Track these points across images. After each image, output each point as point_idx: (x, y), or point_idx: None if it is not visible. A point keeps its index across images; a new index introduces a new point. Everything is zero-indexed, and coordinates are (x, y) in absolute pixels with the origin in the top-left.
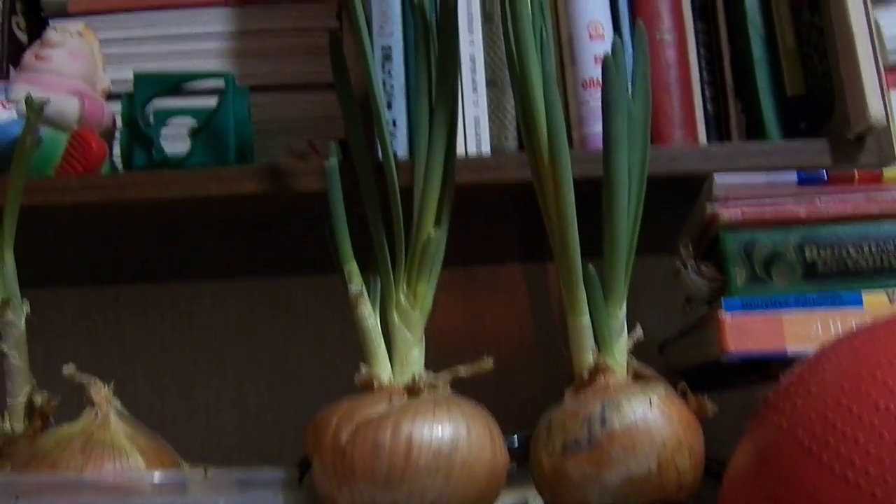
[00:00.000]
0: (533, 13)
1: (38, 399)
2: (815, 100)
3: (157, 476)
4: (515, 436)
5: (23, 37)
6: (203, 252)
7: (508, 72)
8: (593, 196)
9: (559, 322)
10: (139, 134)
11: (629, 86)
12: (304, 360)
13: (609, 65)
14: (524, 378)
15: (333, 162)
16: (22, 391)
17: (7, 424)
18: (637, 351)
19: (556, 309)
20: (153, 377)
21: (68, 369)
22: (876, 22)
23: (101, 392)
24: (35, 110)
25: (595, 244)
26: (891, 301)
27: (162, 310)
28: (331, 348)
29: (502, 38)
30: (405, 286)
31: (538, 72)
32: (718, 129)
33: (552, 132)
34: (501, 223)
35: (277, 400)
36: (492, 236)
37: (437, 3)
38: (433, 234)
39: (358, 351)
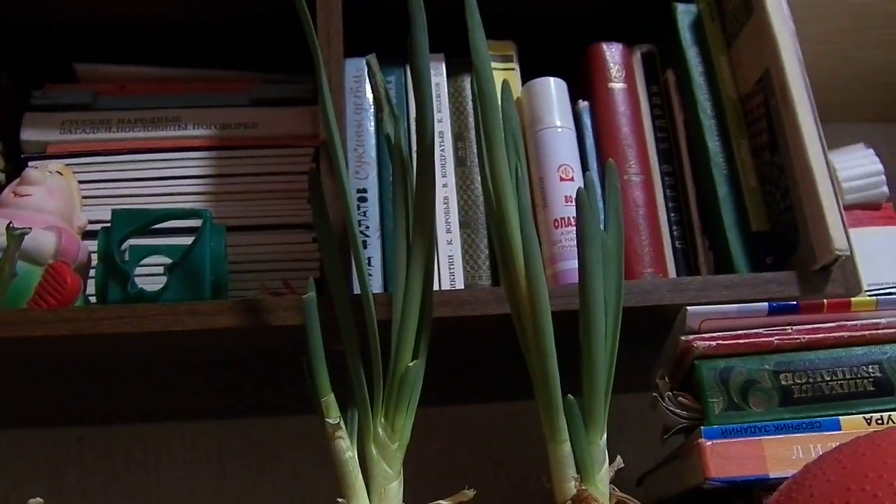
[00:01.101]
0: (508, 153)
1: None
2: (780, 234)
3: None
4: None
5: (1, 177)
6: (172, 392)
7: (485, 208)
8: (569, 331)
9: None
10: (115, 269)
11: (602, 220)
12: (274, 501)
13: (583, 198)
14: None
15: (312, 295)
16: None
17: None
18: (616, 485)
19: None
20: None
21: (35, 502)
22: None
23: None
24: (15, 238)
25: (571, 380)
26: (868, 424)
27: (127, 452)
28: (303, 491)
29: (475, 181)
30: (383, 419)
31: (514, 207)
32: (687, 264)
33: (529, 264)
34: (476, 359)
35: None
36: (466, 374)
37: (410, 147)
38: (411, 365)
39: (331, 494)
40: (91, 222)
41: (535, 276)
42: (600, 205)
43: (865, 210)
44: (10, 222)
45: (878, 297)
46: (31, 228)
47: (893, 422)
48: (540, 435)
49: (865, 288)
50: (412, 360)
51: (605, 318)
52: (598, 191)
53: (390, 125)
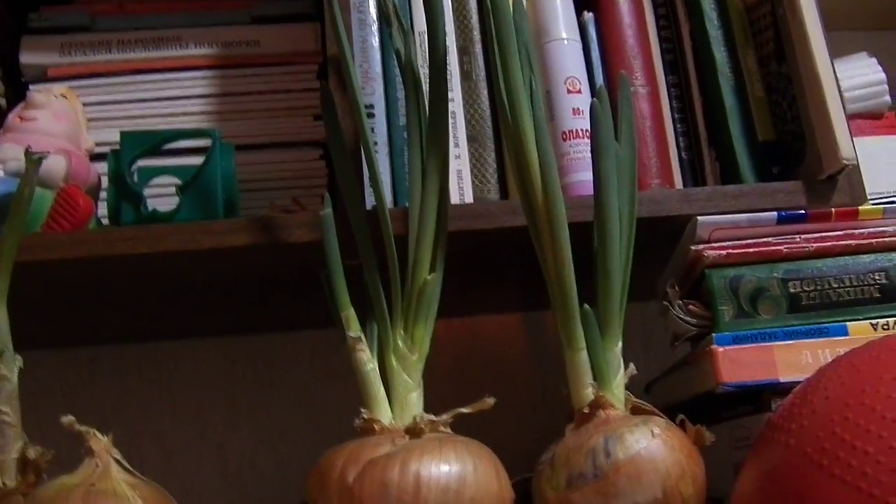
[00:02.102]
0: (522, 66)
1: (32, 453)
2: (786, 145)
3: None
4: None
5: (1, 101)
6: (182, 310)
7: (499, 122)
8: (581, 243)
9: (555, 364)
10: (127, 190)
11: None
12: (287, 418)
13: (597, 110)
14: (518, 427)
15: (329, 212)
16: (14, 447)
17: None
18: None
19: (551, 354)
20: (131, 440)
21: (67, 420)
22: None
23: (100, 442)
24: (33, 162)
25: (584, 290)
26: (875, 329)
27: (139, 371)
28: (313, 405)
29: (481, 95)
30: (402, 331)
31: (530, 119)
32: (694, 176)
33: (546, 175)
34: (492, 271)
35: (259, 459)
36: (483, 284)
37: (414, 61)
38: (429, 278)
39: (341, 408)
40: (97, 144)
41: (552, 187)
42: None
43: (867, 119)
44: (28, 146)
45: (885, 205)
46: (48, 153)
47: None
48: (553, 345)
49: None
50: (430, 273)
51: (620, 229)
52: (608, 105)
53: (399, 40)
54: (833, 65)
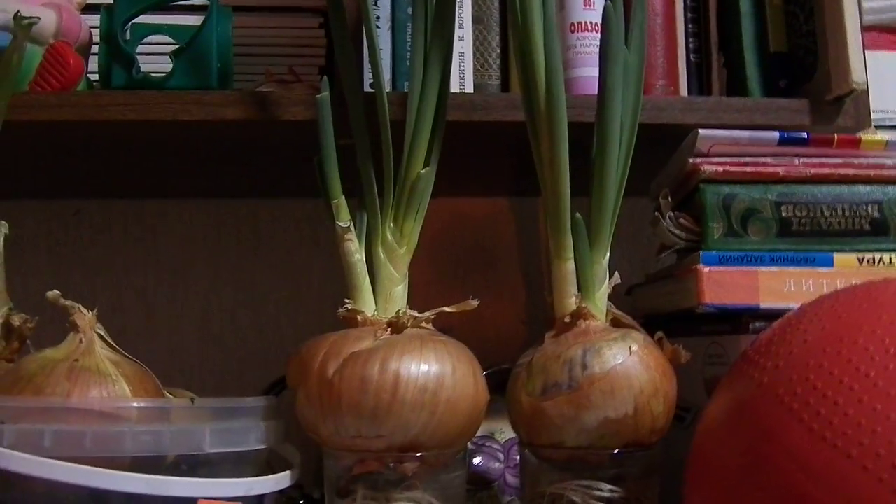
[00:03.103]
0: None
1: (16, 320)
2: (797, 58)
3: (143, 403)
4: (486, 372)
5: None
6: (170, 170)
7: (505, 16)
8: (580, 141)
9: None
10: (119, 52)
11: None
12: (270, 284)
13: (610, 13)
14: (501, 313)
15: (326, 95)
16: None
17: None
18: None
19: (538, 241)
20: (114, 294)
21: (52, 294)
22: None
23: (85, 318)
24: (24, 28)
25: (578, 184)
26: (860, 263)
27: (125, 225)
28: (297, 273)
29: None
30: (392, 223)
31: (540, 17)
32: (700, 80)
33: (551, 81)
34: (487, 161)
35: (241, 322)
36: (477, 172)
37: None
38: (423, 172)
39: (323, 279)
40: None
41: (556, 94)
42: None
43: (882, 33)
44: (18, 11)
45: (889, 138)
46: (38, 18)
47: (885, 263)
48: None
49: (872, 115)
50: (424, 167)
51: (620, 140)
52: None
53: None
54: None
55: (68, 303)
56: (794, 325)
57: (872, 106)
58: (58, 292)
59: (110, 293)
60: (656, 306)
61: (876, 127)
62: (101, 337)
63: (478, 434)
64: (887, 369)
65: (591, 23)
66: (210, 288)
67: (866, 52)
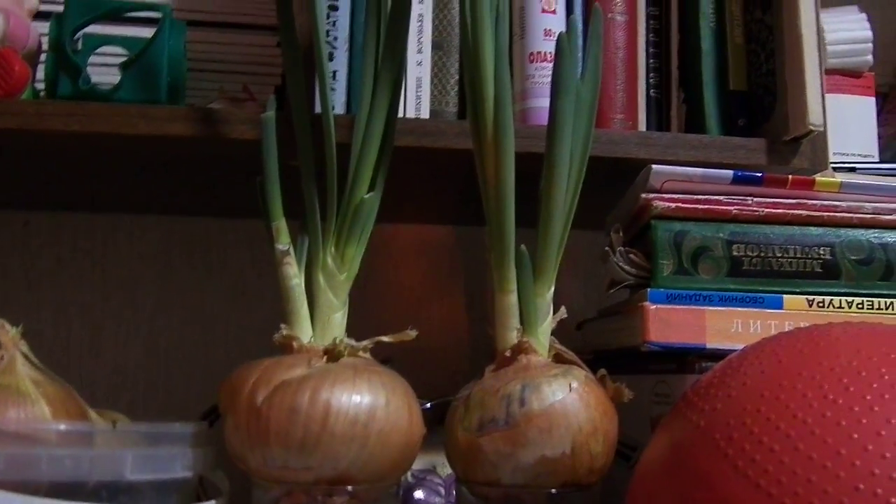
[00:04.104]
0: None
1: None
2: (757, 97)
3: (63, 426)
4: (428, 403)
5: None
6: (122, 184)
7: (460, 43)
8: (529, 173)
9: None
10: (66, 61)
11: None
12: (218, 303)
13: (563, 44)
14: (446, 342)
15: (271, 115)
16: None
17: None
18: (557, 326)
19: (484, 273)
20: (60, 309)
21: None
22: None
23: (7, 334)
24: None
25: (525, 216)
26: (809, 305)
27: (74, 239)
28: (246, 293)
29: (453, 0)
30: (333, 248)
31: (491, 47)
32: (659, 116)
33: (499, 113)
34: (434, 187)
35: (187, 341)
36: (423, 198)
37: None
38: (367, 197)
39: (273, 298)
40: (42, 2)
41: (504, 126)
42: (580, 43)
43: (845, 76)
44: None
45: (843, 180)
46: None
47: (834, 306)
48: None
49: (831, 156)
50: (369, 192)
51: (569, 173)
52: (580, 34)
53: None
54: (819, 24)
55: None
56: (735, 368)
57: (833, 148)
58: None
59: (55, 307)
60: (605, 342)
61: (834, 169)
62: (24, 355)
63: (420, 467)
64: (824, 417)
65: (550, 53)
66: (158, 305)
67: (828, 95)
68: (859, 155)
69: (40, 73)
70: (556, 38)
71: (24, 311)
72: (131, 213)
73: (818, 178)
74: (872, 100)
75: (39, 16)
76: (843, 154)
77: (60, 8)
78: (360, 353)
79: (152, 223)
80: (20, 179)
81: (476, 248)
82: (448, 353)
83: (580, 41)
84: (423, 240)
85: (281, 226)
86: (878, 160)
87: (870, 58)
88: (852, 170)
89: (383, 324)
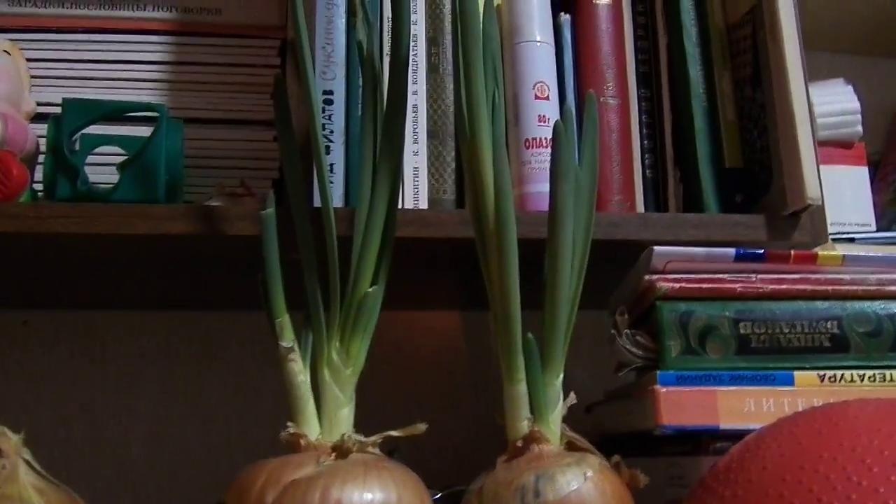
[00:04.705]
0: (486, 79)
1: None
2: (753, 173)
3: None
4: (439, 493)
5: None
6: (121, 281)
7: (456, 131)
8: (532, 258)
9: (494, 375)
10: (64, 163)
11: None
12: (221, 397)
13: (560, 132)
14: (454, 425)
15: (271, 212)
16: None
17: None
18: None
19: (491, 357)
20: (60, 408)
21: None
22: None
23: (10, 441)
24: None
25: (528, 299)
26: (821, 381)
27: (74, 337)
28: (249, 386)
29: (447, 89)
30: (338, 343)
31: (489, 139)
32: (656, 195)
33: (500, 202)
34: (435, 274)
35: (191, 437)
36: (424, 284)
37: (381, 52)
38: (370, 291)
39: (277, 393)
40: (39, 104)
41: (505, 217)
42: (574, 128)
43: (837, 148)
44: None
45: (845, 253)
46: None
47: (846, 380)
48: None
49: (829, 227)
50: (372, 286)
51: (573, 260)
52: (574, 121)
53: (363, 32)
54: (809, 100)
55: None
56: (753, 451)
57: (830, 219)
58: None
59: (56, 406)
60: (615, 426)
61: (833, 240)
62: (27, 462)
63: None
64: (849, 499)
65: (545, 139)
66: (159, 403)
67: (822, 167)
68: (857, 224)
69: (39, 173)
70: (550, 124)
71: (24, 409)
72: (130, 310)
73: (820, 252)
74: (865, 169)
75: (37, 117)
76: (841, 224)
77: (58, 110)
78: (370, 449)
79: (151, 319)
80: (19, 279)
81: (481, 333)
82: (459, 438)
83: (574, 126)
84: (427, 326)
85: (284, 322)
86: (875, 228)
87: (860, 128)
88: (851, 240)
89: (387, 410)
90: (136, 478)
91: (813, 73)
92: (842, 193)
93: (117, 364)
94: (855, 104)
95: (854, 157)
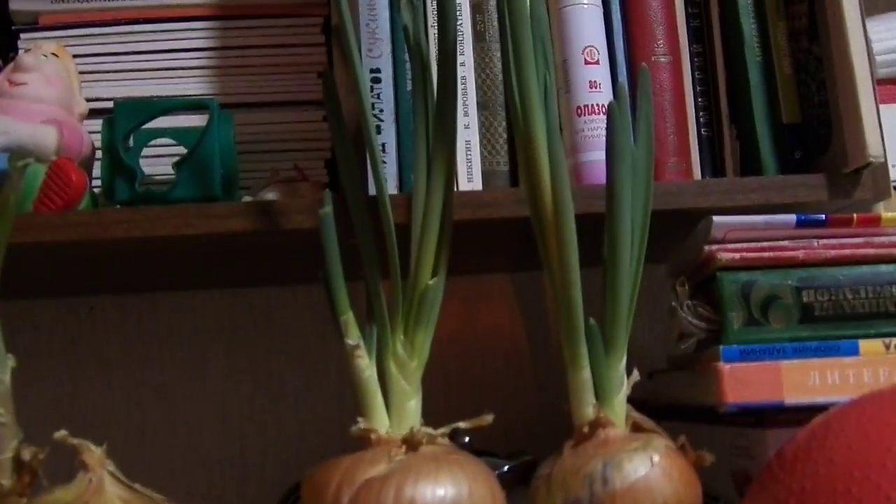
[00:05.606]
0: (537, 62)
1: (27, 454)
2: (811, 129)
3: None
4: (506, 466)
5: None
6: (181, 266)
7: (505, 104)
8: (589, 233)
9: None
10: (121, 165)
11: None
12: (287, 372)
13: (614, 111)
14: (516, 389)
15: (329, 211)
16: (9, 446)
17: None
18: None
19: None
20: (131, 390)
21: (59, 435)
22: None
23: (94, 455)
24: (18, 170)
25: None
26: (887, 349)
27: (140, 321)
28: (314, 360)
29: (495, 58)
30: (402, 335)
31: (543, 125)
32: (712, 155)
33: (557, 191)
34: (491, 245)
35: (259, 413)
36: (478, 253)
37: (426, 27)
38: (431, 283)
39: (340, 367)
40: (89, 100)
41: (564, 208)
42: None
43: (894, 85)
44: (11, 153)
45: None
46: (31, 160)
47: None
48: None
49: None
50: (433, 275)
51: (632, 240)
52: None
53: (409, 14)
54: (871, 53)
55: (76, 441)
56: (821, 441)
57: (892, 161)
58: (65, 432)
59: (127, 389)
60: (678, 397)
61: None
62: (111, 474)
63: None
64: None
65: (597, 105)
66: (227, 379)
67: (880, 106)
68: None
69: (97, 170)
70: (602, 90)
71: (96, 395)
72: (193, 290)
73: (884, 214)
74: None
75: (90, 113)
76: None
77: (108, 104)
78: (439, 440)
79: (214, 297)
80: (84, 267)
81: (533, 294)
82: (523, 405)
83: (628, 103)
84: (480, 290)
85: (349, 320)
86: None
87: None
88: None
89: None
90: (209, 454)
91: (870, 7)
92: None
93: (183, 344)
94: None
95: None
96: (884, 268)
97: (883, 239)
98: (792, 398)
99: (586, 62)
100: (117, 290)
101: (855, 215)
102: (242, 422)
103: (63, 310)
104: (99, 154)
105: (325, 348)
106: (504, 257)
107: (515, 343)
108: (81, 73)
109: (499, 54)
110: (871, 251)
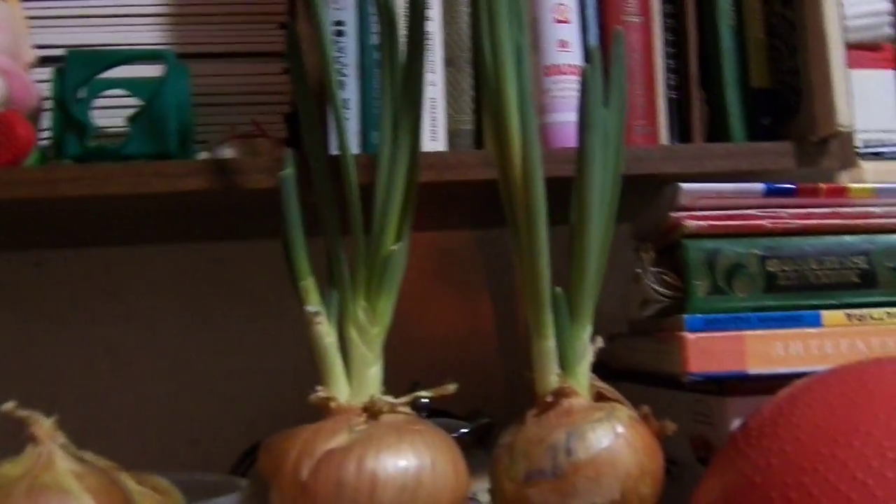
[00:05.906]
0: (509, 17)
1: None
2: (781, 95)
3: None
4: (465, 429)
5: None
6: (132, 221)
7: (475, 64)
8: (556, 197)
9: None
10: (71, 119)
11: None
12: (241, 328)
13: (588, 77)
14: (474, 352)
15: (290, 172)
16: None
17: None
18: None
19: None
20: (81, 346)
21: (7, 407)
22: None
23: (43, 427)
24: None
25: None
26: (848, 319)
27: (89, 276)
28: (268, 315)
29: (461, 13)
30: (364, 302)
31: (515, 88)
32: (680, 119)
33: (527, 155)
34: (454, 202)
35: (213, 368)
36: (441, 209)
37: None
38: (395, 248)
39: (297, 322)
40: (38, 47)
41: (533, 171)
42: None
43: (864, 51)
44: None
45: (877, 186)
46: None
47: (873, 318)
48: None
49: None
50: (396, 242)
51: (601, 208)
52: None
53: None
54: (843, 18)
55: (25, 413)
56: (787, 418)
57: (857, 125)
58: (12, 404)
59: (76, 345)
60: (639, 363)
61: (860, 156)
62: (62, 447)
63: None
64: (885, 478)
65: (566, 65)
66: (180, 334)
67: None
68: (881, 131)
69: (45, 123)
70: (571, 50)
71: (45, 353)
72: (145, 244)
73: (852, 185)
74: (892, 73)
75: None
76: (865, 131)
77: (57, 52)
78: (399, 408)
79: (167, 252)
80: (29, 228)
81: (496, 251)
82: (482, 360)
83: (599, 68)
84: (441, 247)
85: (308, 285)
86: None
87: (889, 30)
88: (878, 155)
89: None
90: (161, 410)
91: None
92: (868, 97)
93: (135, 300)
94: (885, 4)
95: (882, 59)
96: (848, 238)
97: (849, 210)
98: (755, 368)
99: (556, 20)
100: (66, 245)
101: (823, 185)
102: (195, 379)
103: (7, 264)
104: (48, 106)
105: (281, 303)
106: (468, 215)
107: (479, 303)
108: (29, 17)
109: (466, 8)
110: (837, 221)
